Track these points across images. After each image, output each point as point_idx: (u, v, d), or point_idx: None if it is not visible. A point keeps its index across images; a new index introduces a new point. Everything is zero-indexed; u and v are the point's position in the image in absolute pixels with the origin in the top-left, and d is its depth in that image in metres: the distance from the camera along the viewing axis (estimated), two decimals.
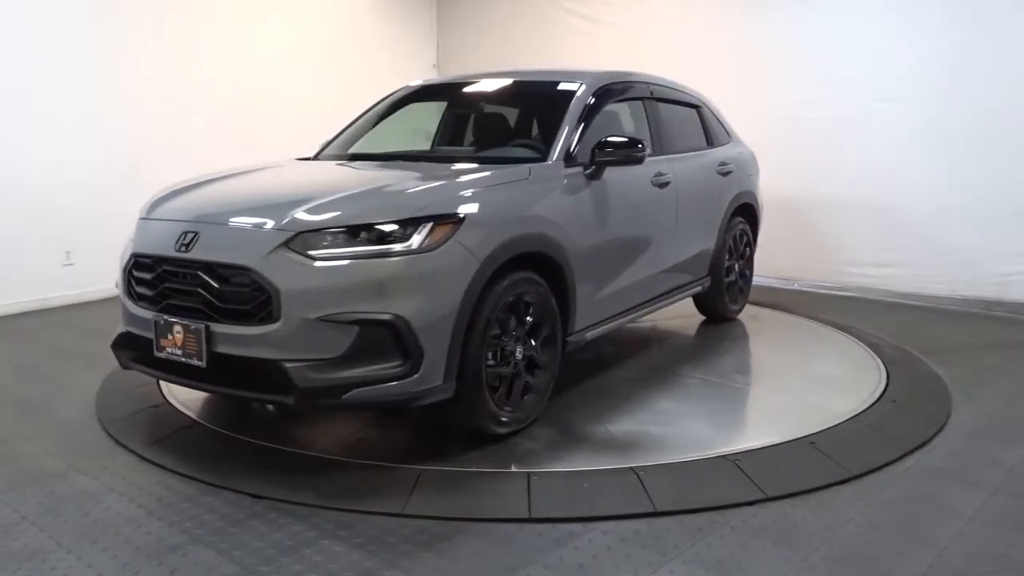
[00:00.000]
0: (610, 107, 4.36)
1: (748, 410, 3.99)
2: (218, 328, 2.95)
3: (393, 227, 2.95)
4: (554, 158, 3.71)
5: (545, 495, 2.86)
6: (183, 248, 3.08)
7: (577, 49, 7.99)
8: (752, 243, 5.61)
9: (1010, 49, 5.61)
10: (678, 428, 3.53)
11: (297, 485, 2.94)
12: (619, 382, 4.17)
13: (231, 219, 3.13)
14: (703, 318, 5.49)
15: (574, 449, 3.32)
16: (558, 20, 8.27)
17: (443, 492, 2.91)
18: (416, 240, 2.93)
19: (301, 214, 2.97)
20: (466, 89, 4.82)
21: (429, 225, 2.97)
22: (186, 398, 3.92)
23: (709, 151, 5.10)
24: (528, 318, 3.38)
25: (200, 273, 3.01)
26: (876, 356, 4.59)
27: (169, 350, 3.09)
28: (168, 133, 6.94)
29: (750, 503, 2.81)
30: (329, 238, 2.91)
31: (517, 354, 3.34)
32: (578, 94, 4.03)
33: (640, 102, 4.58)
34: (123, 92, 6.72)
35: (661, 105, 4.71)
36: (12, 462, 3.27)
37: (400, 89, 4.89)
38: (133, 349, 3.32)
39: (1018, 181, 5.66)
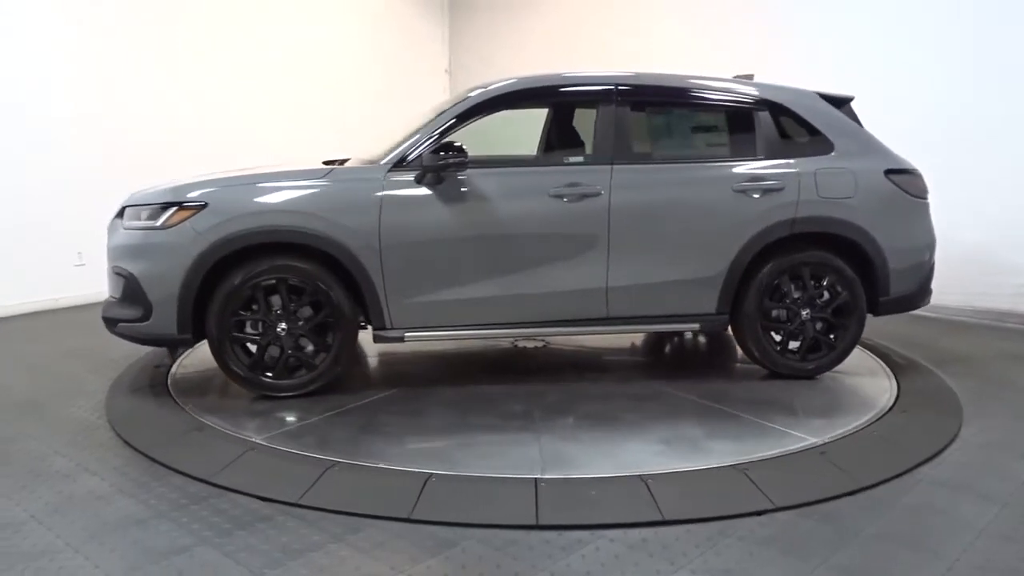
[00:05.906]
0: (519, 113, 4.26)
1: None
2: None
3: (158, 208, 3.78)
4: (382, 162, 3.93)
5: (552, 502, 2.85)
6: None
7: (588, 55, 7.99)
8: (855, 287, 4.23)
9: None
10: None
11: (305, 488, 2.94)
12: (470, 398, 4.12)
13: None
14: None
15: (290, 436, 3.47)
16: (570, 26, 8.29)
17: (450, 497, 2.90)
18: (161, 220, 3.75)
19: (131, 196, 3.99)
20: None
21: (173, 209, 3.75)
22: (196, 399, 3.94)
23: (725, 164, 4.21)
24: (297, 301, 3.86)
25: None
26: (886, 367, 4.57)
27: None
28: (181, 136, 7.01)
29: (759, 513, 2.80)
30: (131, 213, 3.86)
31: (279, 330, 3.86)
32: (458, 102, 4.07)
33: (594, 106, 4.15)
34: (139, 95, 6.78)
35: (633, 110, 4.16)
36: (22, 461, 3.30)
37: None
38: None
39: None
